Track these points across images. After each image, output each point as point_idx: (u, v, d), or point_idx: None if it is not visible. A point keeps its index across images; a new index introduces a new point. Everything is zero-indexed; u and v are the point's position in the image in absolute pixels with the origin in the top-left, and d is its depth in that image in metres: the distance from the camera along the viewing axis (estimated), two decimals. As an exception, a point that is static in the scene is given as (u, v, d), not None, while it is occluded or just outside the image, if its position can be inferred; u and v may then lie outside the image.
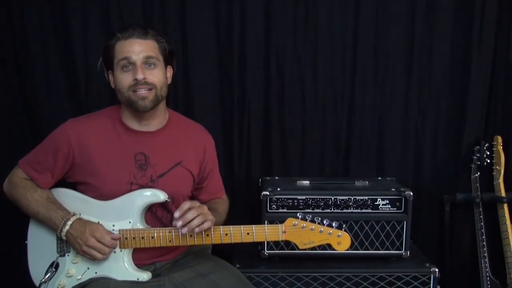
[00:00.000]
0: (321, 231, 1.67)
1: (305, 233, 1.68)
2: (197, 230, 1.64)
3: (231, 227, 1.70)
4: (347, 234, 1.69)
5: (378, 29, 2.41)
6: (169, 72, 1.85)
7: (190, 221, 1.62)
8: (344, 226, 1.71)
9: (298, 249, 1.69)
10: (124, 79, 1.72)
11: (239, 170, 2.47)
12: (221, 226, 1.72)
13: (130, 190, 1.75)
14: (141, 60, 1.71)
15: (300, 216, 1.68)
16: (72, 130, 1.76)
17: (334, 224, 1.67)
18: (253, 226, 1.70)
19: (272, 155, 2.47)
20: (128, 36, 1.73)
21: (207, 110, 2.42)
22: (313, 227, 1.67)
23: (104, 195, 1.74)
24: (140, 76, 1.70)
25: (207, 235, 1.70)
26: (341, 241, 1.68)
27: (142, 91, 1.72)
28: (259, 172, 2.45)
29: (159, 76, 1.76)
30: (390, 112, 2.47)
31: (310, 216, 1.68)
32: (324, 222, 1.67)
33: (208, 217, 1.67)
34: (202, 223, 1.64)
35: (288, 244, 2.04)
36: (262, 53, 2.41)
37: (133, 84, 1.71)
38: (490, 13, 2.39)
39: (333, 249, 1.69)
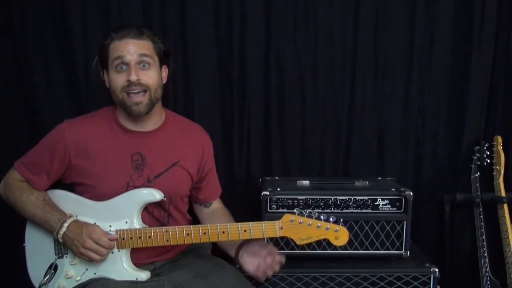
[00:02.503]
0: (318, 226, 1.66)
1: (303, 228, 1.67)
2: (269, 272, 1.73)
3: (228, 225, 1.70)
4: (345, 229, 1.68)
5: (378, 29, 2.41)
6: (164, 71, 1.84)
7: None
8: (341, 220, 1.71)
9: (296, 245, 1.69)
10: (117, 80, 1.72)
11: (239, 170, 2.47)
12: (217, 224, 1.71)
13: (127, 191, 1.75)
14: (135, 60, 1.71)
15: (296, 212, 1.68)
16: (68, 131, 1.76)
17: (331, 219, 1.67)
18: (250, 223, 1.70)
19: (272, 155, 2.47)
20: (123, 36, 1.72)
21: (207, 110, 2.41)
22: (310, 222, 1.67)
23: (100, 196, 1.74)
24: (133, 77, 1.69)
25: (204, 233, 1.70)
26: (338, 236, 1.68)
27: (137, 96, 1.71)
28: (259, 172, 2.45)
29: (153, 77, 1.75)
30: (390, 112, 2.47)
31: (307, 211, 1.68)
32: (321, 217, 1.67)
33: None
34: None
35: (288, 244, 2.04)
36: (262, 53, 2.40)
37: (127, 85, 1.71)
38: (490, 13, 2.39)
39: (334, 248, 1.69)
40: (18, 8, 2.29)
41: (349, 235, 1.70)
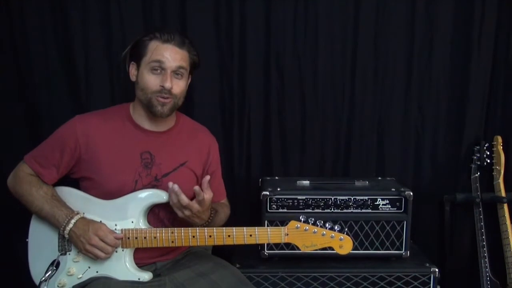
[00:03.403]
0: (323, 234, 1.67)
1: (308, 236, 1.68)
2: (179, 213, 1.69)
3: (234, 229, 1.71)
4: (349, 238, 1.69)
5: (378, 29, 2.41)
6: (189, 80, 1.87)
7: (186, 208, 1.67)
8: (346, 229, 1.71)
9: (299, 249, 1.69)
10: (151, 81, 1.74)
11: (239, 170, 2.47)
12: (223, 228, 1.72)
13: (135, 188, 1.75)
14: (172, 69, 1.74)
15: (302, 219, 1.69)
16: (79, 126, 1.77)
17: (336, 227, 1.68)
18: (256, 228, 1.71)
19: (272, 155, 2.47)
20: (166, 40, 1.74)
21: (207, 110, 2.42)
22: (316, 230, 1.68)
23: (108, 192, 1.75)
24: (168, 85, 1.73)
25: (210, 236, 1.71)
26: (343, 245, 1.69)
27: (164, 98, 1.75)
28: (259, 172, 2.45)
29: (182, 87, 1.79)
30: (390, 112, 2.48)
31: (313, 219, 1.69)
32: (327, 225, 1.68)
33: (195, 219, 1.71)
34: (189, 217, 1.69)
35: (288, 244, 2.03)
36: (262, 53, 2.41)
37: (159, 91, 1.74)
38: (490, 13, 2.39)
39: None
40: (18, 7, 2.29)
41: (353, 244, 1.71)
